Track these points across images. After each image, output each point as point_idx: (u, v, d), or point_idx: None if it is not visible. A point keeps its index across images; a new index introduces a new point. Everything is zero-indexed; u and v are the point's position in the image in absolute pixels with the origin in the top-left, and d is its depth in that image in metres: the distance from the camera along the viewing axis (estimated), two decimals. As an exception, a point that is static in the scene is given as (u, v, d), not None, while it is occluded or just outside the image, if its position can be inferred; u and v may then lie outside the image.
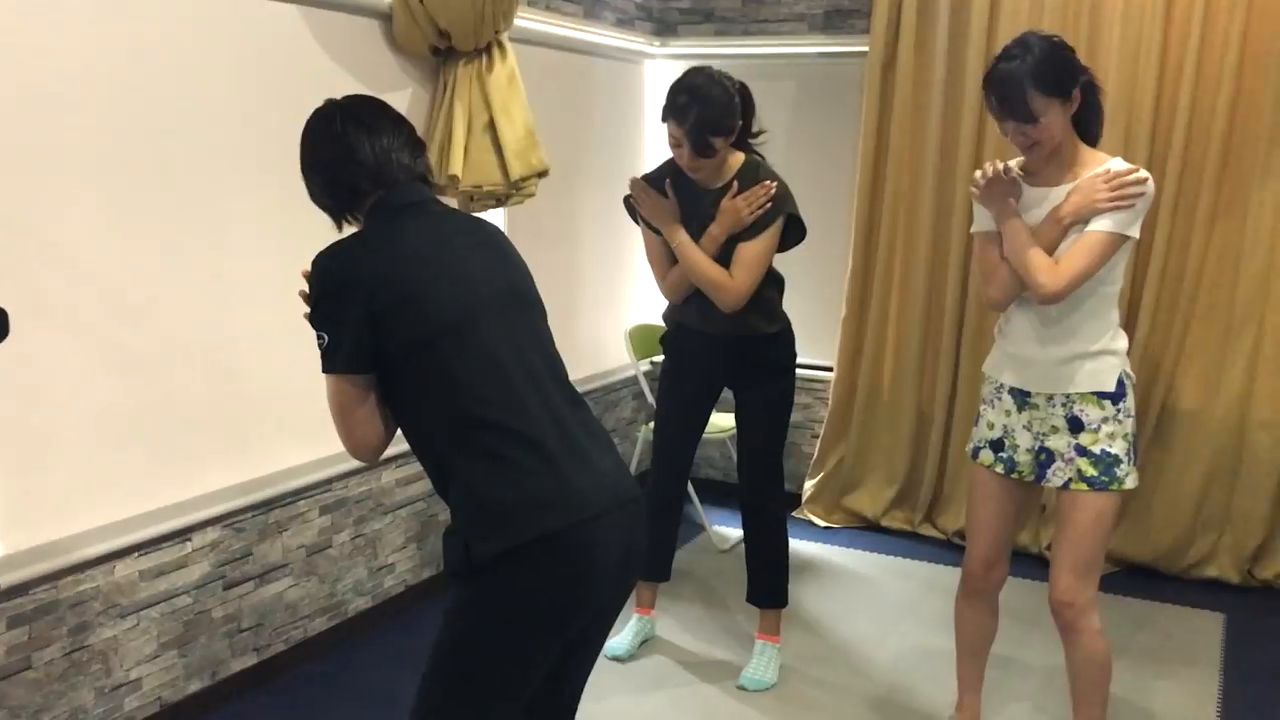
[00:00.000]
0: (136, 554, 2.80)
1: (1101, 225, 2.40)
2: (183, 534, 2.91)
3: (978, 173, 2.57)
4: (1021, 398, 2.60)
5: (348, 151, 1.90)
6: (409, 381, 1.81)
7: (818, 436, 4.72)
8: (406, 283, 1.80)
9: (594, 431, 1.92)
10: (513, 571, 1.75)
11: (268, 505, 3.15)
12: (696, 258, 3.03)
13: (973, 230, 2.67)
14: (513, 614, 1.78)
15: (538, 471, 1.78)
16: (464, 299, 1.83)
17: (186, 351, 2.86)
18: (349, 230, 1.96)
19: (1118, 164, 2.45)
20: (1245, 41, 3.74)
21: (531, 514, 1.75)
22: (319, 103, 1.98)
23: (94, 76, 2.57)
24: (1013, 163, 2.56)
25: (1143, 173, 2.41)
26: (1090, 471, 2.50)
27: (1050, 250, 2.45)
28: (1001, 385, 2.65)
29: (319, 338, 1.81)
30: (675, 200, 3.08)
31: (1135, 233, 2.42)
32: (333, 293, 1.80)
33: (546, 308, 2.03)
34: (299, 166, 1.98)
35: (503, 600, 1.77)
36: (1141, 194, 2.39)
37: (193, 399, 2.89)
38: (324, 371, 1.82)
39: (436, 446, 1.83)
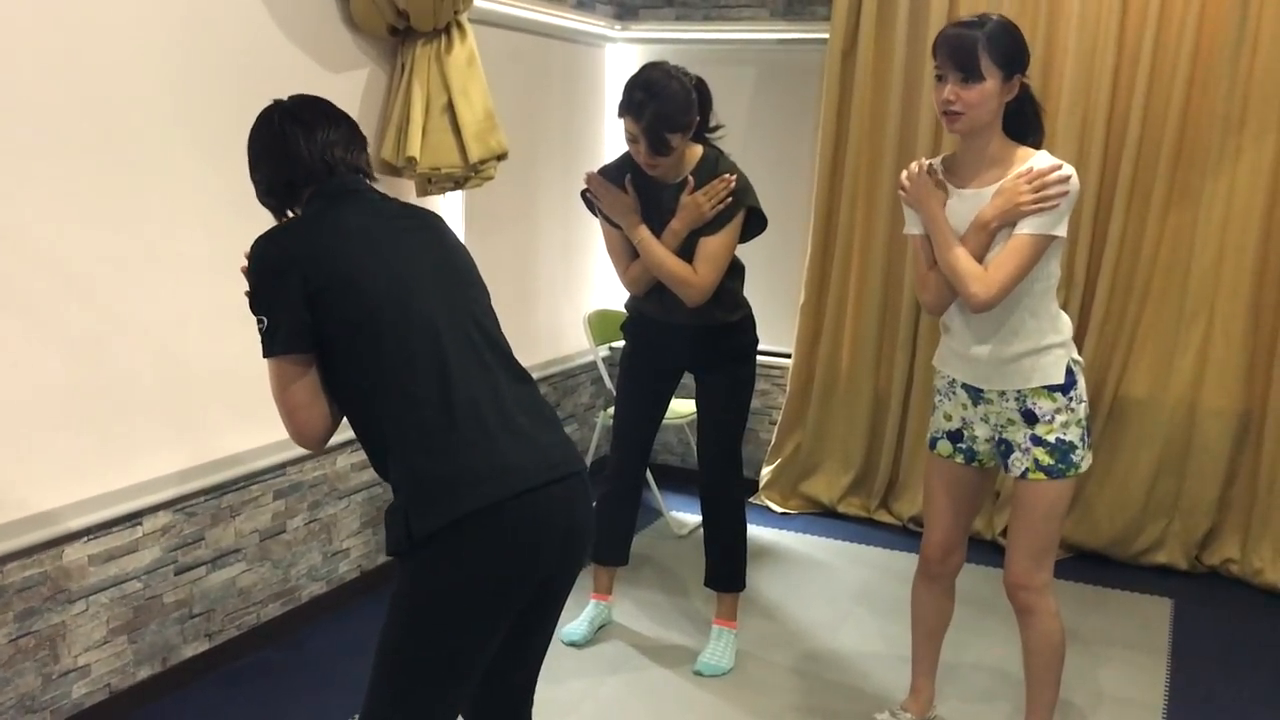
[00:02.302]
0: (86, 538, 2.75)
1: (1028, 228, 2.40)
2: (133, 518, 2.87)
3: (904, 174, 2.58)
4: (975, 393, 2.62)
5: (284, 148, 1.95)
6: (347, 361, 1.83)
7: (775, 423, 4.75)
8: (343, 263, 1.82)
9: (536, 407, 1.93)
10: (453, 545, 1.77)
11: (220, 489, 3.11)
12: (659, 253, 3.02)
13: (905, 232, 2.68)
14: (456, 587, 1.79)
15: (476, 446, 1.80)
16: (400, 278, 1.85)
17: (137, 334, 2.82)
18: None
19: (1041, 161, 2.43)
20: (1199, 37, 3.80)
21: (470, 488, 1.77)
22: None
23: (42, 51, 2.52)
24: (936, 161, 2.57)
25: (1065, 169, 2.40)
26: (1047, 460, 2.53)
27: (980, 256, 2.46)
28: (954, 380, 2.67)
29: (259, 321, 1.82)
30: (635, 195, 3.07)
31: (1062, 232, 2.42)
32: (270, 275, 1.81)
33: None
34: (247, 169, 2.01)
35: (445, 575, 1.79)
36: (1065, 193, 2.39)
37: (144, 382, 2.85)
38: (265, 356, 1.82)
39: (375, 426, 1.84)
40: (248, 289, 1.84)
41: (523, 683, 2.08)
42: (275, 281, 1.80)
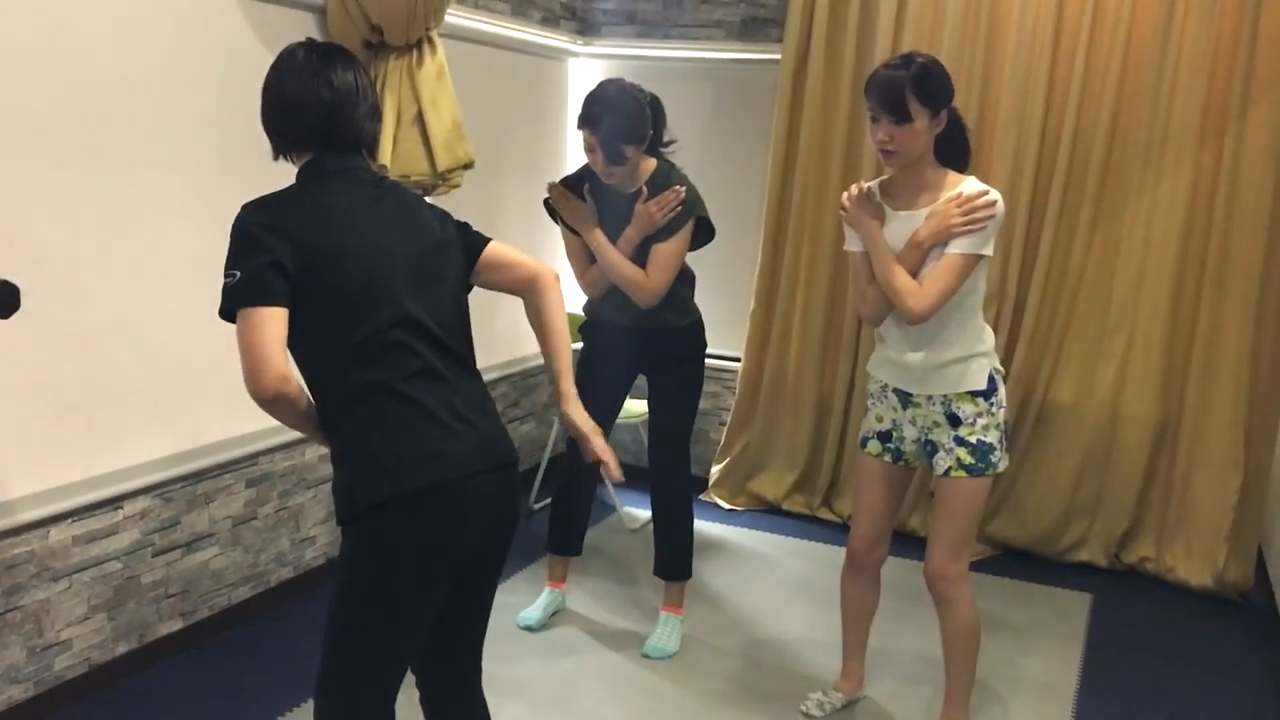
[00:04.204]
0: (70, 520, 2.92)
1: (958, 248, 2.63)
2: (114, 502, 3.03)
3: (844, 195, 2.81)
4: (905, 397, 2.84)
5: (311, 94, 2.00)
6: (310, 334, 1.94)
7: (725, 424, 4.96)
8: (320, 239, 1.93)
9: (480, 400, 2.09)
10: (391, 519, 1.94)
11: (196, 477, 3.28)
12: (614, 258, 3.23)
13: (845, 249, 2.90)
14: (391, 558, 1.96)
15: (423, 430, 1.96)
16: (371, 266, 1.96)
17: (120, 326, 2.98)
18: (283, 168, 2.08)
19: (970, 186, 2.66)
20: (1124, 71, 4.06)
21: (412, 468, 1.94)
22: (255, 92, 2.08)
23: (38, 59, 2.68)
24: (873, 184, 2.80)
25: (992, 194, 2.63)
26: (969, 460, 2.75)
27: (914, 272, 2.68)
28: (886, 385, 2.89)
29: (228, 275, 1.87)
30: (593, 204, 3.28)
31: (989, 251, 2.65)
32: (246, 238, 1.90)
33: (470, 295, 2.20)
34: (261, 91, 2.05)
35: (381, 544, 1.96)
36: (991, 216, 2.62)
37: (126, 372, 3.01)
38: (232, 307, 1.85)
39: (329, 402, 1.98)
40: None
41: (468, 657, 2.24)
42: (251, 243, 1.88)
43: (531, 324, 2.26)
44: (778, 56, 4.58)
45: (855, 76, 4.41)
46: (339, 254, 1.94)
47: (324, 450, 3.74)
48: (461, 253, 2.18)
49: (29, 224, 2.71)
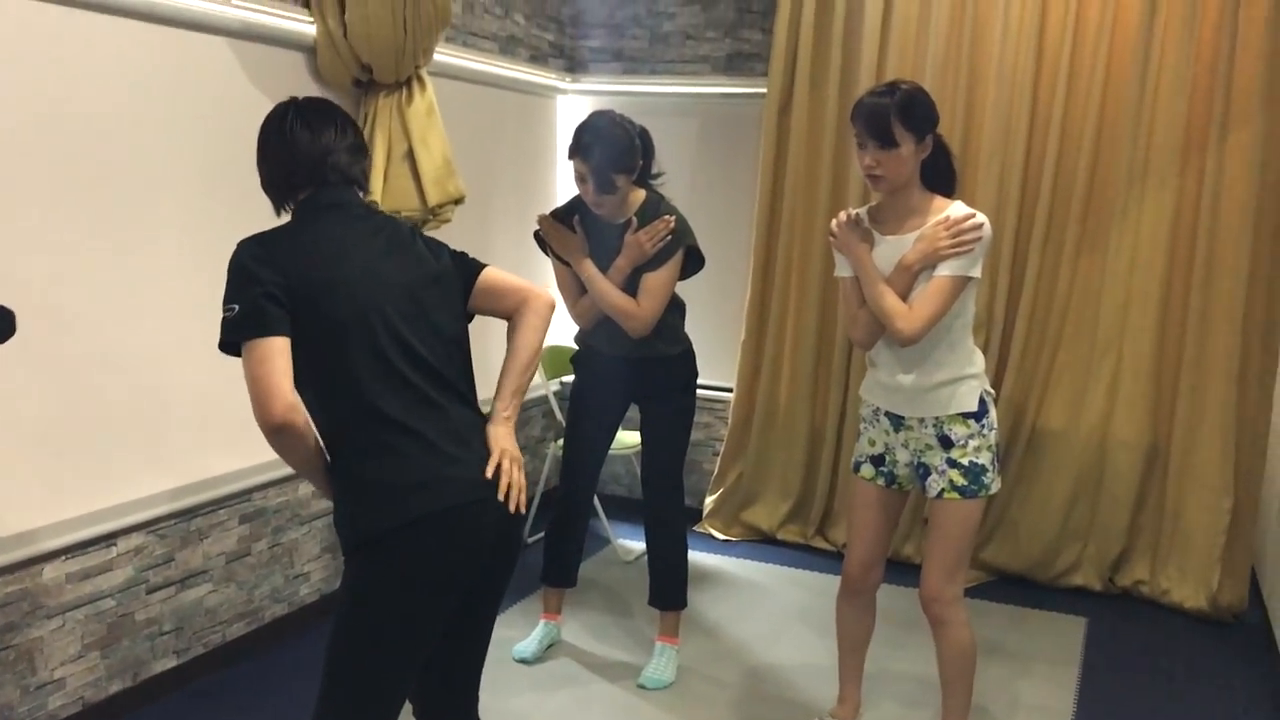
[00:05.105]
0: (63, 557, 2.91)
1: (946, 270, 2.66)
2: (108, 539, 3.03)
3: (833, 222, 2.84)
4: (897, 421, 2.86)
5: (288, 145, 2.07)
6: (309, 366, 1.97)
7: (718, 454, 4.97)
8: (316, 273, 1.97)
9: (476, 429, 2.11)
10: (392, 547, 1.96)
11: (190, 513, 3.28)
12: (605, 288, 3.26)
13: (835, 275, 2.93)
14: (389, 586, 1.97)
15: (421, 459, 1.98)
16: (366, 298, 2.00)
17: (114, 362, 2.99)
18: (285, 219, 2.12)
19: (957, 210, 2.70)
20: (1105, 96, 4.12)
21: (412, 496, 1.96)
22: (247, 129, 2.14)
23: (33, 96, 2.71)
24: (861, 210, 2.84)
25: (978, 217, 2.67)
26: (961, 481, 2.77)
27: (904, 295, 2.71)
28: (878, 409, 2.91)
29: (227, 310, 1.90)
30: (583, 235, 3.31)
31: (977, 273, 2.68)
32: (243, 272, 1.95)
33: (469, 323, 2.22)
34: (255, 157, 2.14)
35: (381, 574, 1.97)
36: (979, 238, 2.65)
37: (120, 408, 3.02)
38: (234, 339, 1.89)
39: (326, 432, 2.01)
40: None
41: (466, 687, 2.25)
42: (248, 277, 1.93)
43: (507, 342, 2.26)
44: (763, 90, 4.64)
45: (840, 108, 4.47)
46: (331, 285, 1.97)
47: (317, 485, 3.74)
48: (459, 281, 2.20)
49: (20, 258, 2.72)
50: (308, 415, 1.97)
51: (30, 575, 2.83)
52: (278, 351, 1.90)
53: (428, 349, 2.06)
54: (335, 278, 1.98)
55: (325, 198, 2.08)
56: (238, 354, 1.93)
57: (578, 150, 3.17)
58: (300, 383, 1.98)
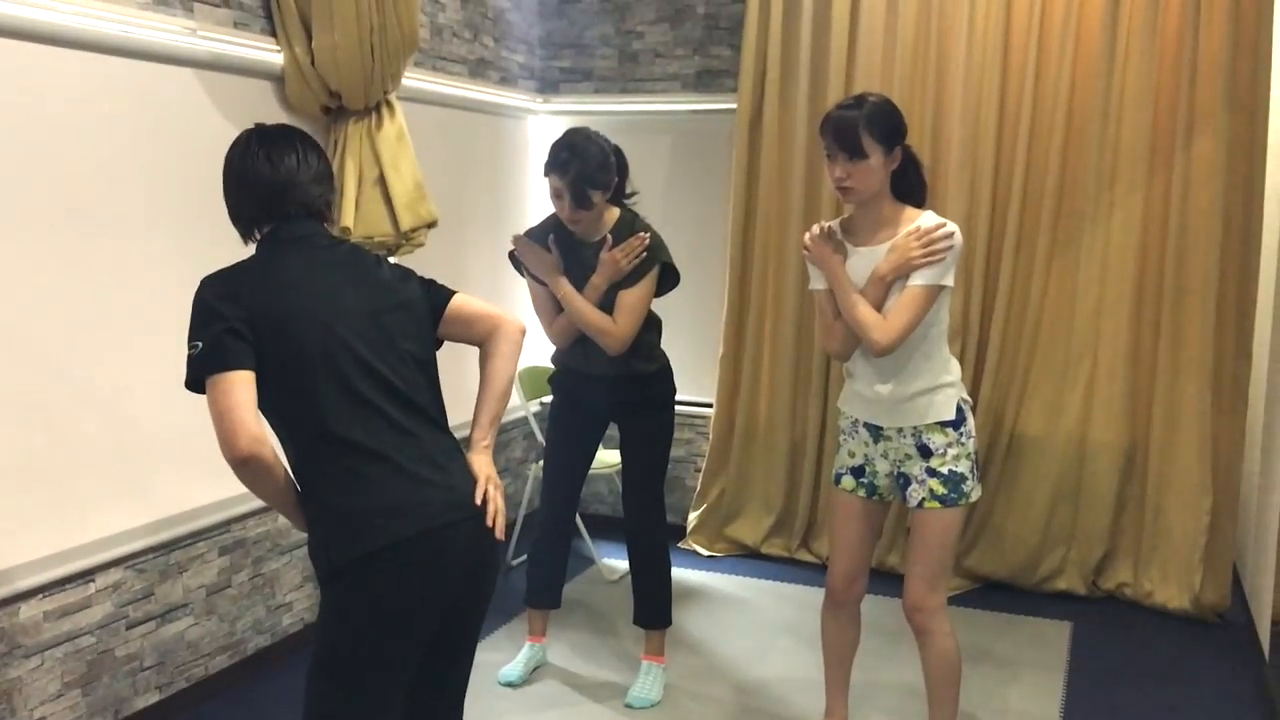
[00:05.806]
0: (40, 595, 2.88)
1: (919, 280, 2.67)
2: (86, 575, 3.00)
3: (806, 235, 2.85)
4: (875, 431, 2.87)
5: (249, 173, 2.08)
6: (274, 404, 1.98)
7: (700, 470, 4.97)
8: (278, 307, 1.97)
9: (449, 453, 2.11)
10: (365, 574, 1.96)
11: (168, 546, 3.25)
12: (581, 306, 3.26)
13: (810, 288, 2.94)
14: (366, 612, 1.97)
15: (393, 485, 1.98)
16: (330, 327, 2.00)
17: (88, 396, 2.97)
18: (252, 250, 2.13)
19: (927, 220, 2.72)
20: (1071, 102, 4.17)
21: (383, 522, 1.96)
22: (215, 160, 2.14)
23: (1, 137, 2.69)
24: (834, 223, 2.85)
25: (949, 226, 2.69)
26: (941, 490, 2.78)
27: (878, 306, 2.72)
28: (857, 420, 2.92)
29: (191, 347, 1.93)
30: (558, 254, 3.31)
31: (950, 281, 2.70)
32: (206, 309, 1.96)
33: (437, 352, 2.22)
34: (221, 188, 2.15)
35: (358, 601, 1.97)
36: (950, 247, 2.67)
37: (94, 443, 2.99)
38: (199, 376, 1.90)
39: (296, 462, 2.01)
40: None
41: (449, 711, 2.24)
42: (211, 314, 1.94)
43: (480, 371, 2.26)
44: (733, 106, 4.66)
45: (809, 121, 4.49)
46: (295, 316, 1.98)
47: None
48: (427, 308, 2.21)
49: (-8, 298, 2.70)
50: (275, 447, 1.97)
51: (7, 614, 2.80)
52: (241, 385, 1.90)
53: (397, 375, 2.06)
54: (294, 309, 1.99)
55: (287, 231, 2.09)
56: (204, 391, 1.93)
57: (554, 166, 3.17)
58: (269, 414, 1.99)
